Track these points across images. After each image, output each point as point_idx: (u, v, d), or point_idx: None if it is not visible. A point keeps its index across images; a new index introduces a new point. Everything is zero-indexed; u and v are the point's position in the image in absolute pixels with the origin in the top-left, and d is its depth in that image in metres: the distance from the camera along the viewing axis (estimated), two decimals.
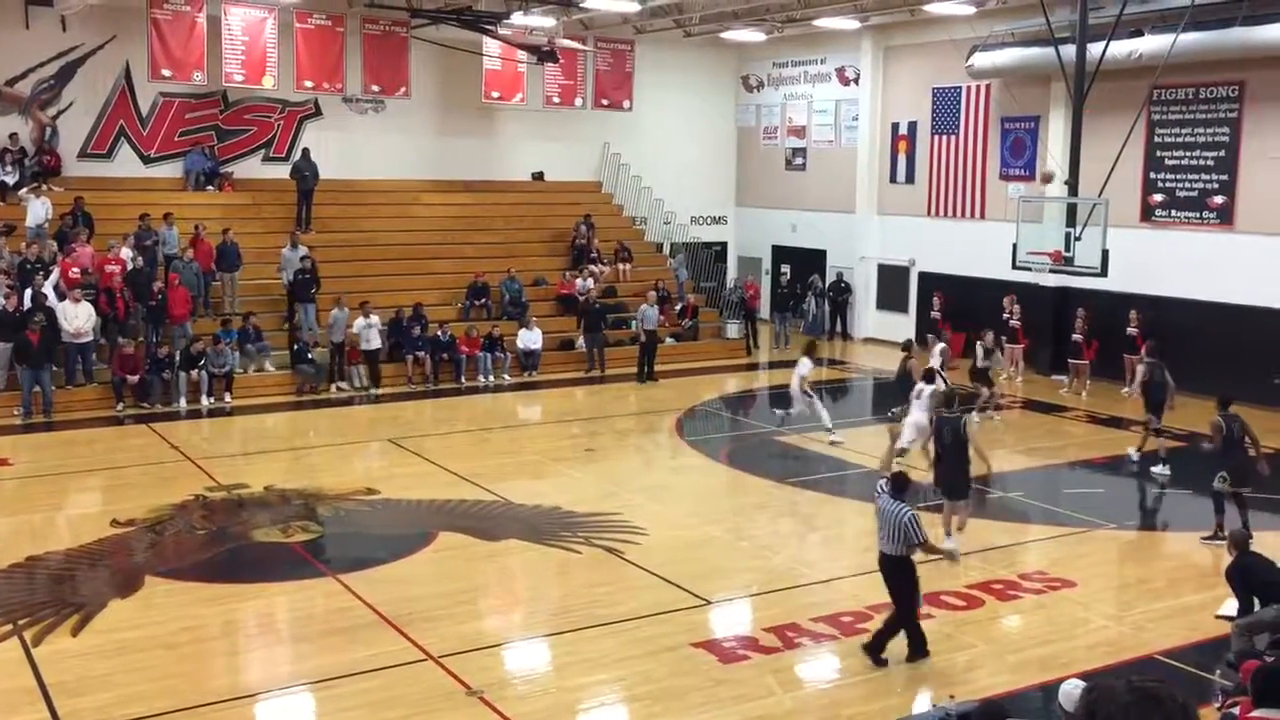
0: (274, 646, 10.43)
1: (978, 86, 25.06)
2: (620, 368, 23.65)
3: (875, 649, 9.68)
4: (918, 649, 9.69)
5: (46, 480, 15.49)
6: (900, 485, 9.92)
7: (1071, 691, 5.46)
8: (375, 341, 21.37)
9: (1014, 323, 22.79)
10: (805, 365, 17.48)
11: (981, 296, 23.68)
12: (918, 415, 14.84)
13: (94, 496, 15.13)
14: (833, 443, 17.42)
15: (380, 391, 21.34)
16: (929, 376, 15.51)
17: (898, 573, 9.72)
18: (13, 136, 22.57)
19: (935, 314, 24.44)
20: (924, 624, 10.20)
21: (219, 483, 15.06)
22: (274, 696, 9.19)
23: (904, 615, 9.69)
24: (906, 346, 18.29)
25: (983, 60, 23.94)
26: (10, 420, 18.36)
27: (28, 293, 19.27)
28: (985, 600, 11.16)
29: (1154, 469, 15.92)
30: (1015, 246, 21.36)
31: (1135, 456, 16.59)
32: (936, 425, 13.01)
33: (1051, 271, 21.43)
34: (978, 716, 6.69)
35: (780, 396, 21.07)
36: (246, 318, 21.18)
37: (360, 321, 21.14)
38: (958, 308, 24.43)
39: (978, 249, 24.54)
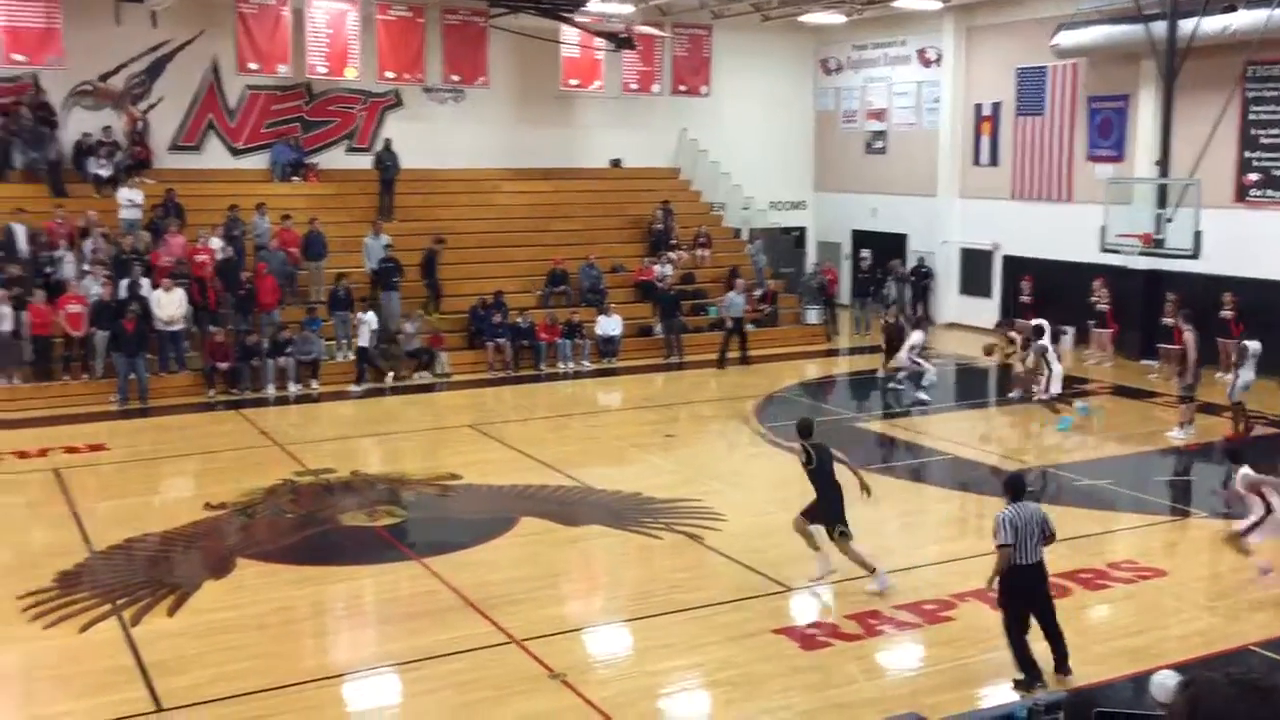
0: (360, 628, 10.65)
1: (1064, 66, 24.49)
2: (698, 354, 23.63)
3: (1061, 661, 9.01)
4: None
5: (142, 465, 15.97)
6: (1022, 484, 9.34)
7: (1164, 683, 5.35)
8: (364, 339, 20.82)
9: (1102, 307, 22.31)
10: (917, 335, 19.17)
11: (1068, 280, 23.19)
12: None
13: (187, 481, 15.56)
14: (921, 401, 18.81)
15: (456, 378, 21.56)
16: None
17: (1046, 578, 9.08)
18: (106, 130, 23.21)
19: (1025, 299, 23.98)
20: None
21: (306, 467, 15.38)
22: (361, 677, 9.38)
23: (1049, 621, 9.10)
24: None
25: (1068, 39, 23.38)
26: (107, 406, 18.94)
27: (123, 283, 19.84)
28: (1073, 589, 10.96)
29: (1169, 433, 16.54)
30: (1104, 229, 20.93)
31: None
32: (806, 451, 11.09)
33: (1141, 254, 20.94)
34: (1069, 706, 6.57)
35: (870, 381, 20.96)
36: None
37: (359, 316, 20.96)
38: (1044, 292, 23.94)
39: (1064, 232, 24.02)
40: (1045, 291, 23.87)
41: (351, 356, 21.20)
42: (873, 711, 8.50)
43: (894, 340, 20.59)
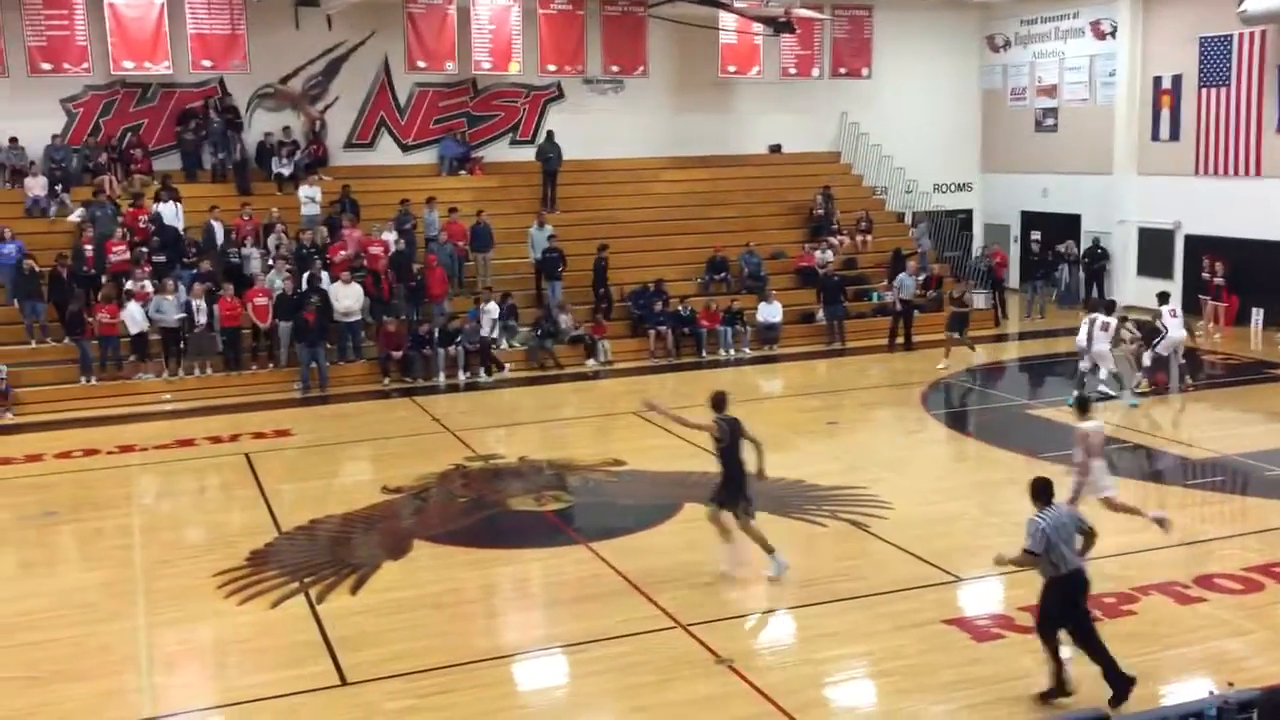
0: (529, 610, 10.91)
1: (1251, 34, 23.15)
2: (861, 340, 23.29)
3: (1121, 688, 8.28)
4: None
5: (323, 450, 16.71)
6: (1048, 488, 8.57)
7: None
8: (488, 328, 21.12)
9: None
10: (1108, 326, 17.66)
11: (1259, 260, 21.96)
12: None
13: (365, 465, 16.20)
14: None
15: (616, 366, 21.79)
16: None
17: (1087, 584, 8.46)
18: (286, 130, 24.32)
19: (1219, 280, 22.83)
20: (1196, 608, 9.65)
21: (476, 453, 15.81)
22: (531, 657, 9.61)
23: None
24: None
25: (1257, 5, 22.05)
26: (291, 394, 19.87)
27: (304, 276, 20.76)
28: (1265, 584, 10.40)
29: None
30: None
31: None
32: (720, 427, 10.77)
33: None
34: (1264, 705, 6.23)
35: (1042, 366, 20.33)
36: (504, 297, 22.03)
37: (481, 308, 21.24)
38: (1232, 272, 22.74)
39: (1254, 208, 22.78)
40: (1233, 272, 22.70)
41: (520, 346, 21.70)
42: (1050, 707, 8.25)
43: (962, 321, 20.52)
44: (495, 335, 21.01)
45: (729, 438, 10.73)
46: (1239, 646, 9.20)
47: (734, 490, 10.80)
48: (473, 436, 16.77)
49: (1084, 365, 17.76)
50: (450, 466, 15.23)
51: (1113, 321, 17.48)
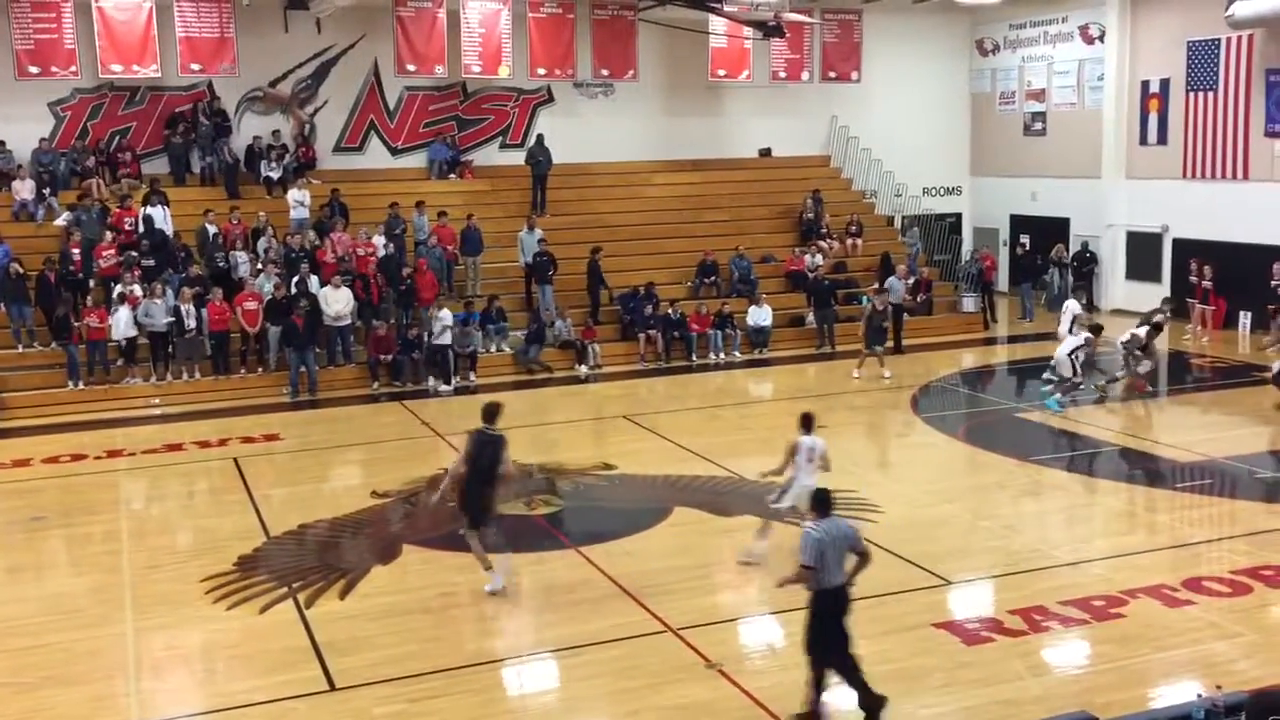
0: (520, 614, 10.86)
1: (1239, 37, 23.26)
2: (851, 344, 23.29)
3: (874, 711, 8.10)
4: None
5: (312, 454, 16.67)
6: (828, 499, 8.36)
7: None
8: (446, 337, 20.56)
9: None
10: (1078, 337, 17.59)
11: (1246, 263, 22.05)
12: None
13: (354, 469, 16.17)
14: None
15: (597, 371, 21.78)
16: None
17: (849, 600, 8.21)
18: (275, 134, 24.28)
19: (1206, 283, 22.93)
20: (1185, 611, 9.68)
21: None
22: (521, 662, 9.60)
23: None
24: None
25: (1245, 9, 22.18)
26: (280, 398, 19.82)
27: (292, 280, 20.70)
28: (1254, 587, 10.44)
29: None
30: None
31: None
32: (476, 444, 10.69)
33: None
34: (1251, 708, 6.25)
35: (1030, 370, 20.35)
36: (491, 300, 22.02)
37: (431, 311, 20.74)
38: (1220, 275, 22.83)
39: (1241, 212, 22.88)
40: (1221, 275, 22.79)
41: (508, 350, 21.69)
42: (1039, 709, 8.26)
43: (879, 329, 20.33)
44: (449, 342, 20.56)
45: (476, 455, 10.58)
46: (1227, 649, 9.23)
47: (483, 504, 10.66)
48: (462, 441, 16.68)
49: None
50: (440, 471, 15.12)
51: (1091, 338, 17.53)
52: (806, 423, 11.25)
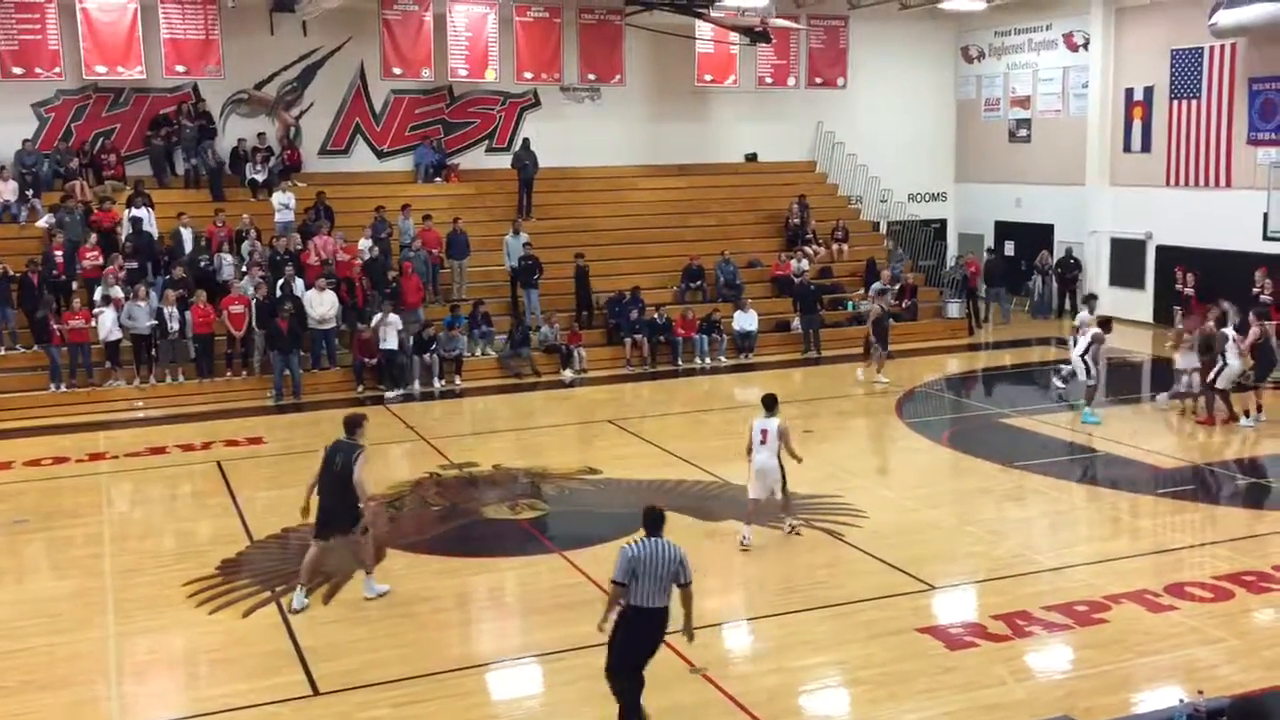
0: (504, 619, 10.86)
1: (1222, 46, 23.41)
2: (836, 349, 23.38)
3: None
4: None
5: (297, 458, 16.53)
6: (661, 518, 8.17)
7: None
8: (392, 341, 20.33)
9: (1266, 298, 21.24)
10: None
11: (1229, 270, 22.18)
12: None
13: None
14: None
15: (579, 377, 21.77)
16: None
17: (663, 628, 8.02)
18: (260, 136, 24.21)
19: (1189, 291, 23.06)
20: (1168, 616, 9.73)
21: (451, 461, 15.75)
22: (504, 666, 9.58)
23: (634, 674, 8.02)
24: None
25: (1227, 18, 22.33)
26: (264, 401, 19.74)
27: (277, 283, 20.63)
28: (1236, 593, 10.50)
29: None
30: (1266, 216, 20.00)
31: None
32: (329, 452, 10.76)
33: None
34: (1233, 713, 6.28)
35: (1013, 375, 20.46)
36: (476, 304, 21.99)
37: (377, 318, 20.31)
38: (1203, 282, 22.96)
39: (1224, 220, 23.02)
40: (1203, 282, 22.92)
41: (493, 354, 21.66)
42: (1023, 714, 8.30)
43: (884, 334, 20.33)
44: (396, 347, 20.30)
45: (327, 463, 10.59)
46: (1209, 654, 9.27)
47: (347, 514, 10.61)
48: (447, 444, 16.71)
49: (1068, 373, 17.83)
50: (424, 475, 15.17)
51: (1100, 333, 17.54)
52: (768, 404, 12.11)
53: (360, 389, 20.36)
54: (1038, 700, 8.61)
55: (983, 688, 8.79)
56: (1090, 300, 19.53)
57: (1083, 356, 17.22)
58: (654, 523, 8.10)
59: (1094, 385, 17.37)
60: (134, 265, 20.78)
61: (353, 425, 10.81)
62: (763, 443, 11.91)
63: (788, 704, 8.74)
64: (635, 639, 7.92)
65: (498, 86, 25.64)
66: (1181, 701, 8.24)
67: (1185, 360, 17.55)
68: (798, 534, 12.29)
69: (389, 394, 20.08)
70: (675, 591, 7.98)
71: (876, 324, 20.40)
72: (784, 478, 12.06)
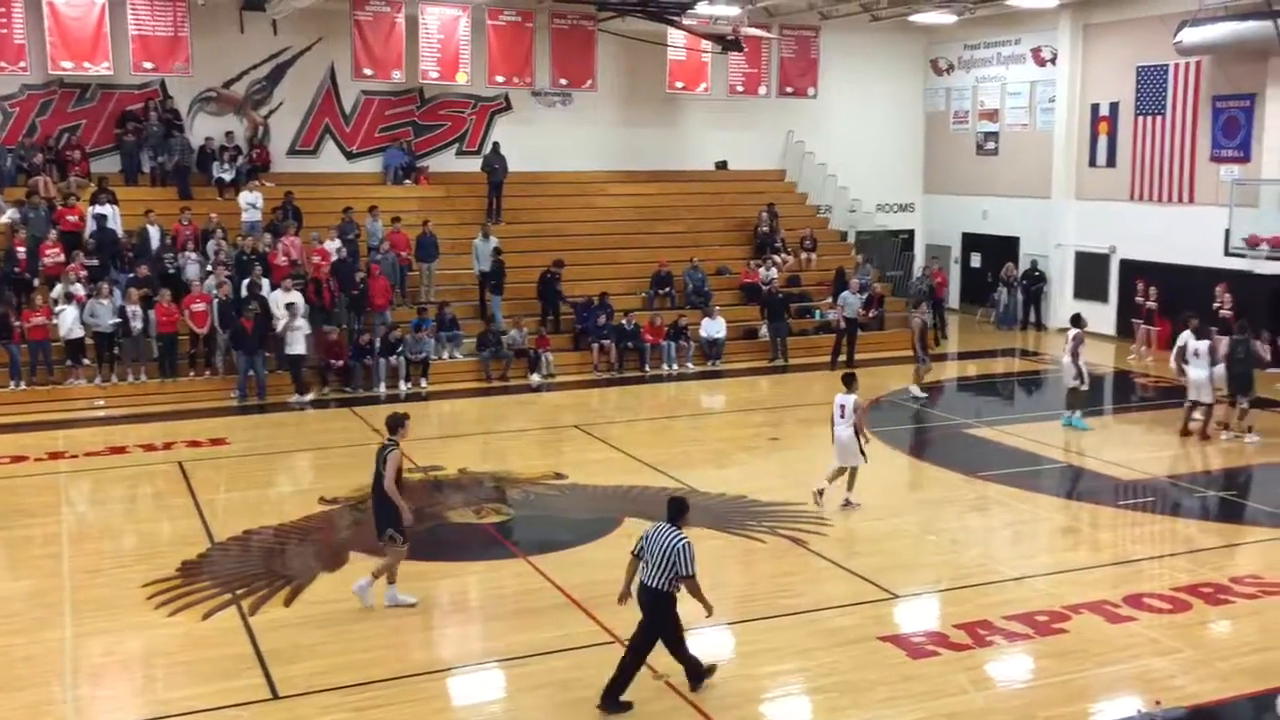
0: (467, 623, 10.81)
1: (1187, 64, 23.73)
2: (803, 357, 23.48)
3: (613, 696, 8.62)
4: (697, 675, 8.88)
5: (260, 459, 16.47)
6: (680, 509, 8.83)
7: None
8: (299, 346, 19.78)
9: (1226, 312, 21.53)
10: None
11: (1190, 285, 22.46)
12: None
13: (302, 475, 16.01)
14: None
15: (545, 381, 21.74)
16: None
17: (657, 607, 8.64)
18: (229, 135, 24.03)
19: (1151, 304, 23.34)
20: (1126, 626, 9.82)
21: (416, 465, 15.66)
22: (467, 671, 9.54)
23: (673, 650, 8.76)
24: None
25: (1192, 36, 22.64)
26: (228, 402, 19.57)
27: (243, 283, 20.45)
28: (1193, 604, 10.62)
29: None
30: (1228, 232, 20.28)
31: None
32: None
33: (1269, 259, 20.21)
34: None
35: (983, 387, 20.59)
36: (443, 307, 21.91)
37: (283, 322, 19.68)
38: (1165, 297, 23.25)
39: (1186, 235, 23.31)
40: (1165, 296, 23.21)
41: (460, 357, 21.60)
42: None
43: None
44: (305, 353, 19.90)
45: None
46: (1166, 665, 9.37)
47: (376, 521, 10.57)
48: (412, 448, 16.51)
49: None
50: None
51: (1079, 332, 17.76)
52: (846, 381, 13.69)
53: (326, 390, 20.23)
54: (998, 710, 8.68)
55: (944, 696, 8.84)
56: (1076, 319, 19.16)
57: (1074, 362, 17.52)
58: (672, 510, 8.79)
59: (1084, 390, 17.64)
60: (95, 263, 20.56)
61: (392, 425, 10.62)
62: (841, 417, 13.40)
63: (749, 711, 8.76)
64: (641, 609, 8.66)
65: (469, 89, 25.58)
66: (1139, 711, 8.35)
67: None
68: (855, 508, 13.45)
69: (293, 400, 19.56)
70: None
71: (920, 335, 20.45)
72: (862, 452, 13.41)
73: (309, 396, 19.79)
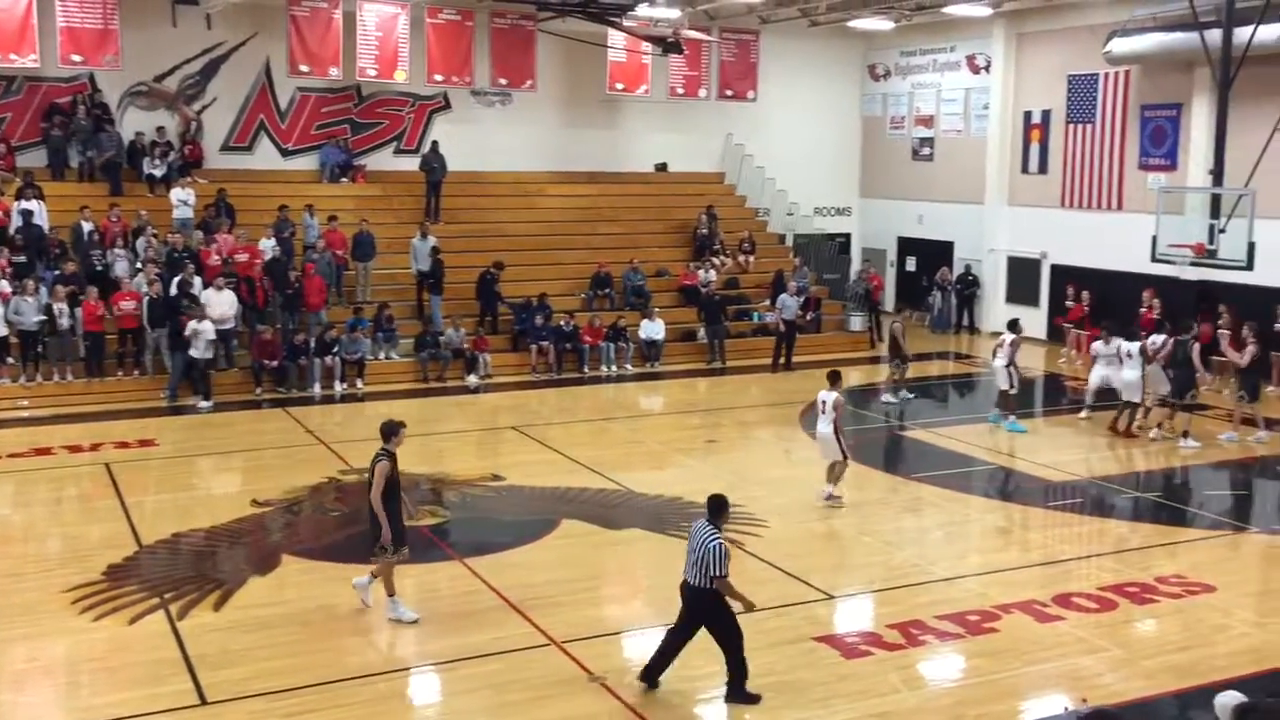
0: (402, 627, 10.68)
1: (1116, 73, 24.23)
2: (741, 360, 23.59)
3: (652, 675, 8.93)
4: (739, 688, 8.79)
5: (189, 461, 16.18)
6: (717, 507, 8.93)
7: (1227, 703, 5.15)
8: (201, 349, 19.22)
9: (1154, 317, 22.01)
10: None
11: (1118, 290, 22.94)
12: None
13: (234, 477, 15.75)
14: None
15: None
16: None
17: (698, 604, 8.78)
18: (160, 130, 23.59)
19: (1085, 307, 23.77)
20: (1055, 626, 9.98)
21: (351, 466, 15.49)
22: (402, 675, 9.44)
23: (726, 652, 8.81)
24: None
25: (1121, 46, 23.14)
26: (157, 402, 19.20)
27: (174, 281, 20.07)
28: (1119, 603, 10.83)
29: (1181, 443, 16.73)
30: (1155, 239, 20.71)
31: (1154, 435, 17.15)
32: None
33: (1193, 265, 20.69)
34: None
35: (918, 389, 20.80)
36: (381, 307, 21.69)
37: (191, 325, 19.13)
38: (1094, 302, 23.70)
39: (1115, 241, 23.79)
40: (1094, 301, 23.65)
41: (396, 358, 21.41)
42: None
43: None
44: (210, 356, 19.42)
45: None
46: (1093, 664, 9.54)
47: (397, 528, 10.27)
48: (347, 449, 16.42)
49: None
50: (323, 480, 14.90)
51: (1015, 338, 18.16)
52: (831, 378, 13.65)
53: (259, 391, 19.94)
54: (929, 708, 8.78)
55: (876, 695, 8.93)
56: (1013, 324, 19.38)
57: (1007, 366, 17.87)
58: (711, 508, 8.94)
59: (1014, 393, 17.95)
60: (21, 259, 20.07)
61: (385, 432, 10.26)
62: (822, 413, 13.57)
63: (685, 712, 8.79)
64: (682, 600, 8.91)
65: (407, 88, 25.36)
66: (1066, 709, 8.50)
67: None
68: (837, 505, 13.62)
69: (201, 404, 19.07)
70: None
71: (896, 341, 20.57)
72: (843, 449, 13.53)
73: (209, 403, 19.13)
